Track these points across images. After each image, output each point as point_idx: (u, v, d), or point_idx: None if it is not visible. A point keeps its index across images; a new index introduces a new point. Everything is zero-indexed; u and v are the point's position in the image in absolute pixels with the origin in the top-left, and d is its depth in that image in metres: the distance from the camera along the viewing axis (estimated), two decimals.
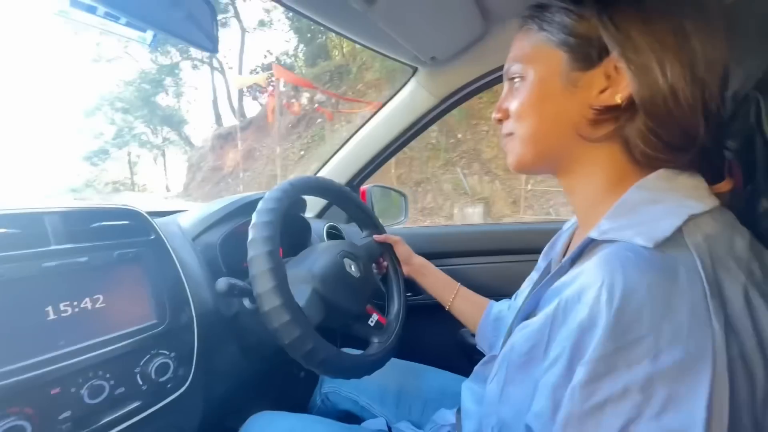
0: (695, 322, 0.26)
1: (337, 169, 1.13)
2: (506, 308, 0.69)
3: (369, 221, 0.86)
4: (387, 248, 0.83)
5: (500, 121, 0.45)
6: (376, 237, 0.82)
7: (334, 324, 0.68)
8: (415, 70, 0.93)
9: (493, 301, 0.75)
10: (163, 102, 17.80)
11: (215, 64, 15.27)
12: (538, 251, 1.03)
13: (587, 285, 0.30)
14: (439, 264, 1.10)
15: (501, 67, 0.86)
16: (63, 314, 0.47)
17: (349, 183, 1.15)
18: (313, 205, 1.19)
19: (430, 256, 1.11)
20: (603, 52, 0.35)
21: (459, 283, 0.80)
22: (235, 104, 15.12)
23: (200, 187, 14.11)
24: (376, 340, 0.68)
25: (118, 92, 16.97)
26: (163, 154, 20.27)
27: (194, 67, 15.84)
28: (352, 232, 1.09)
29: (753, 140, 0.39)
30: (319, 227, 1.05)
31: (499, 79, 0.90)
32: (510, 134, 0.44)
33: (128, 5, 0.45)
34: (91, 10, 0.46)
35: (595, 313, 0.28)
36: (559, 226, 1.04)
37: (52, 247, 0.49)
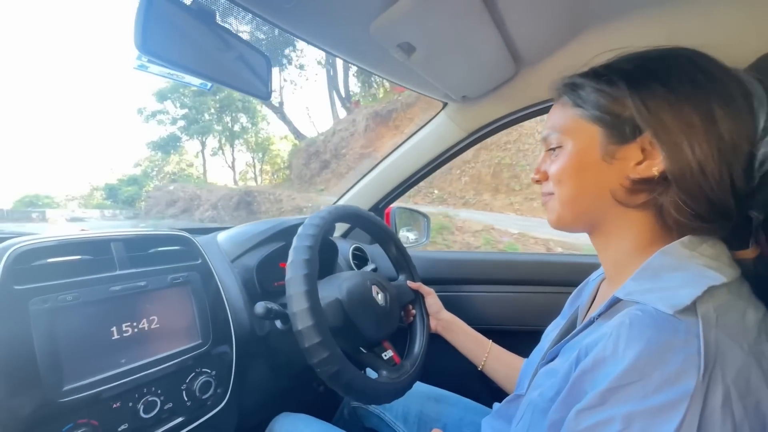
0: (683, 374, 0.29)
1: (364, 192, 1.17)
2: None
3: (406, 265, 0.88)
4: (418, 296, 0.84)
5: (538, 182, 0.49)
6: (410, 283, 0.84)
7: (345, 342, 0.69)
8: (445, 104, 0.97)
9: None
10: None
11: (329, 60, 14.18)
12: (560, 284, 1.04)
13: (602, 337, 0.35)
14: (457, 290, 1.13)
15: (529, 107, 0.91)
16: (125, 334, 0.53)
17: (375, 206, 1.19)
18: (339, 225, 1.23)
19: (448, 281, 1.14)
20: (637, 130, 0.38)
21: (490, 341, 0.78)
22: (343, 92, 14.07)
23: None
24: (384, 373, 0.67)
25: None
26: (232, 144, 19.22)
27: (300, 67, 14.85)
28: (377, 254, 1.13)
29: None
30: (345, 248, 1.09)
31: (525, 117, 0.93)
32: (550, 194, 0.46)
33: (195, 65, 0.51)
34: (167, 67, 0.52)
35: (600, 359, 0.34)
36: (582, 260, 1.05)
37: (117, 272, 0.55)
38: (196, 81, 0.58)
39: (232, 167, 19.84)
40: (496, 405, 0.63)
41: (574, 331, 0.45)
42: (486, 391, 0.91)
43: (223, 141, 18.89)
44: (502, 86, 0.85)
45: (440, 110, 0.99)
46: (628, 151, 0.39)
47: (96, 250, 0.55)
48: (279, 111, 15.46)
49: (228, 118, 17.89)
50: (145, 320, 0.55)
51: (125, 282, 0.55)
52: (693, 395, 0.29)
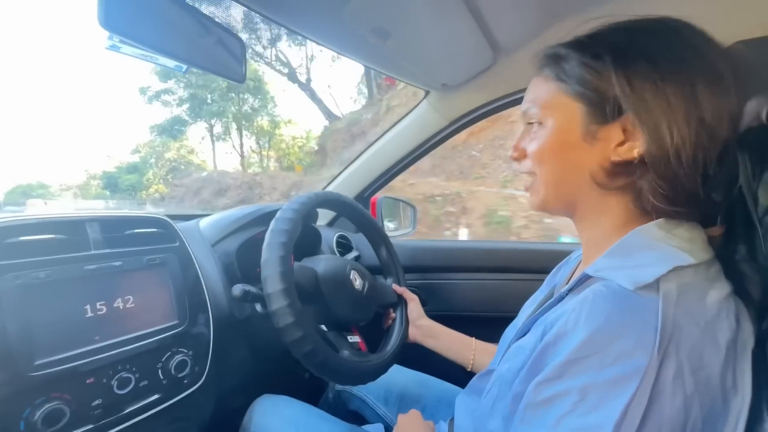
0: (638, 349, 0.30)
1: (348, 181, 1.18)
2: None
3: (395, 269, 0.88)
4: (401, 301, 0.85)
5: (516, 159, 0.47)
6: (395, 287, 0.85)
7: (314, 315, 0.69)
8: (427, 93, 0.98)
9: None
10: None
11: None
12: (540, 271, 1.06)
13: (567, 311, 0.36)
14: (439, 278, 1.14)
15: (508, 95, 0.92)
16: (99, 312, 0.53)
17: (359, 195, 1.20)
18: (324, 213, 1.24)
19: (431, 269, 1.16)
20: (619, 109, 0.37)
21: (473, 339, 0.77)
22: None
23: None
24: (346, 353, 0.67)
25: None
26: (241, 127, 17.71)
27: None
28: (362, 242, 1.14)
29: (731, 190, 0.42)
30: (329, 236, 1.11)
31: (505, 106, 0.94)
32: (531, 174, 0.45)
33: (167, 46, 0.51)
34: (137, 46, 0.52)
35: (561, 332, 0.35)
36: (562, 248, 1.07)
37: (92, 252, 0.56)
38: (170, 63, 0.58)
39: (241, 152, 18.58)
40: (471, 382, 0.65)
41: (544, 306, 0.45)
42: (464, 373, 0.93)
43: (230, 125, 17.70)
44: (481, 74, 0.86)
45: (422, 99, 1.00)
46: (609, 131, 0.38)
47: (71, 230, 0.56)
48: (307, 88, 13.98)
49: (240, 100, 16.79)
50: (120, 299, 0.56)
51: (100, 261, 0.55)
52: (647, 369, 0.30)
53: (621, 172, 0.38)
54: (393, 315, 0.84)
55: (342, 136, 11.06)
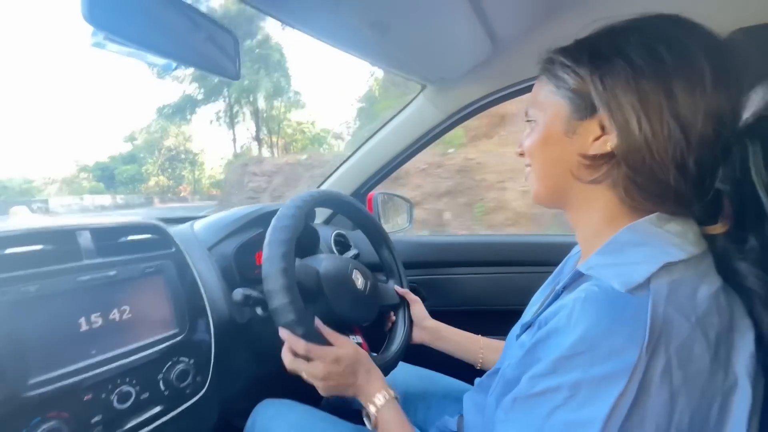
0: (628, 346, 0.31)
1: (345, 177, 1.16)
2: None
3: (396, 271, 0.87)
4: (403, 303, 0.82)
5: (521, 155, 0.50)
6: (397, 288, 0.83)
7: (316, 314, 0.67)
8: (423, 86, 0.96)
9: None
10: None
11: None
12: (543, 263, 1.06)
13: (561, 308, 0.37)
14: (442, 273, 1.14)
15: (506, 88, 0.90)
16: (94, 325, 0.51)
17: (356, 192, 1.18)
18: (321, 211, 1.22)
19: (433, 265, 1.15)
20: (594, 107, 0.39)
21: (480, 336, 0.77)
22: None
23: None
24: None
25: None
26: (231, 118, 15.42)
27: None
28: (360, 240, 1.12)
29: (742, 184, 0.42)
30: (327, 234, 1.09)
31: (504, 98, 0.93)
32: (529, 167, 0.48)
33: (155, 43, 0.48)
34: (123, 44, 0.49)
35: (553, 329, 0.37)
36: (565, 240, 1.07)
37: (84, 262, 0.53)
38: (159, 61, 0.56)
39: (257, 137, 16.51)
40: (477, 380, 0.65)
41: (545, 304, 0.46)
42: (470, 368, 0.93)
43: (254, 104, 15.54)
44: (479, 67, 0.84)
45: (418, 93, 0.98)
46: (588, 126, 0.40)
47: (60, 240, 0.53)
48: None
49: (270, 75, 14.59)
50: (116, 310, 0.54)
51: (93, 272, 0.53)
52: (636, 366, 0.31)
53: (599, 165, 0.40)
54: (393, 318, 0.82)
55: None
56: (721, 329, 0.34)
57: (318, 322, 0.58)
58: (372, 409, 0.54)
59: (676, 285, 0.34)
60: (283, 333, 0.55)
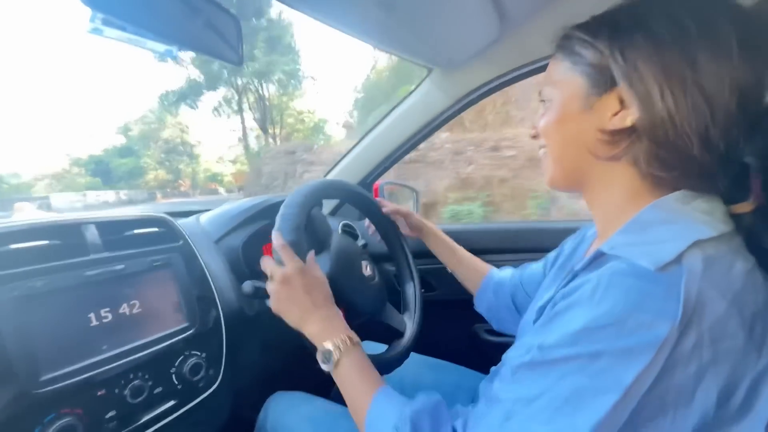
0: (658, 321, 0.30)
1: (352, 166, 1.14)
2: (508, 276, 0.76)
3: (405, 261, 0.85)
4: (410, 279, 0.82)
5: (534, 137, 0.48)
6: (385, 209, 0.82)
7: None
8: (430, 71, 0.93)
9: (494, 268, 0.80)
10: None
11: None
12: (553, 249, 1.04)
13: (581, 285, 0.35)
14: None
15: (515, 70, 0.87)
16: (104, 320, 0.50)
17: (363, 180, 1.16)
18: (326, 202, 1.21)
19: None
20: (613, 80, 0.38)
21: (461, 247, 0.83)
22: None
23: None
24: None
25: None
26: (240, 105, 14.36)
27: None
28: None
29: None
30: (334, 225, 1.07)
31: (513, 80, 0.90)
32: (544, 150, 0.47)
33: (154, 25, 0.46)
34: (121, 28, 0.47)
35: (573, 302, 0.34)
36: (575, 225, 1.05)
37: (91, 256, 0.52)
38: (159, 47, 0.54)
39: (264, 127, 15.70)
40: (493, 369, 0.64)
41: (558, 286, 0.44)
42: (481, 357, 0.93)
43: (266, 89, 14.71)
44: (487, 49, 0.81)
45: (424, 78, 0.96)
46: (606, 101, 0.39)
47: (66, 235, 0.52)
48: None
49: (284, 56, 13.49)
50: (125, 305, 0.53)
51: (101, 266, 0.52)
52: (665, 340, 0.29)
53: (616, 140, 0.39)
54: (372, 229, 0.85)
55: None
56: (758, 308, 0.32)
57: (311, 255, 0.58)
58: (329, 346, 0.50)
59: (710, 261, 0.32)
60: (275, 234, 0.56)
